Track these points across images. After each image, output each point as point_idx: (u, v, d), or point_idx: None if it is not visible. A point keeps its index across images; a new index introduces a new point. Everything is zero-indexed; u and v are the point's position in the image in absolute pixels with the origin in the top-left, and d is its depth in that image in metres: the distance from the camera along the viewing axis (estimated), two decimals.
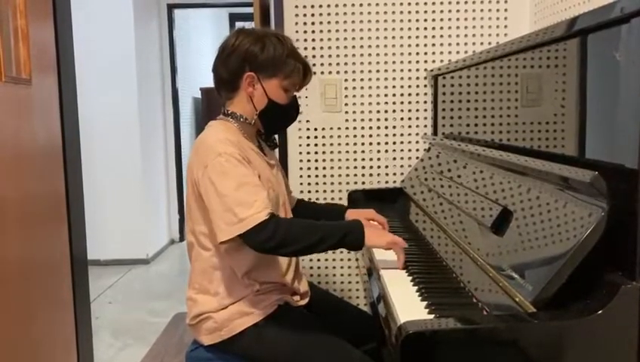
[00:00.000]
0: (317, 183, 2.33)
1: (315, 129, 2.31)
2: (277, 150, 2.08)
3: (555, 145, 1.25)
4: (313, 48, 2.27)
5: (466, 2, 2.25)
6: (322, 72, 2.27)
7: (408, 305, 1.19)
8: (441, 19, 2.26)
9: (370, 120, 2.31)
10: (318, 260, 2.35)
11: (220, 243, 1.41)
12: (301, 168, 2.32)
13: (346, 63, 2.28)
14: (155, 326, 3.22)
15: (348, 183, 2.33)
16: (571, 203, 1.04)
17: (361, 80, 2.29)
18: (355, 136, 2.31)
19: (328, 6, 2.26)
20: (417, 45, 2.28)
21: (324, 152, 2.32)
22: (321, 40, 2.27)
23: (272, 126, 1.62)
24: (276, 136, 1.77)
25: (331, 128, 2.31)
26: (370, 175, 2.33)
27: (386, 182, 2.33)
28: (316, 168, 2.32)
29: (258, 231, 1.35)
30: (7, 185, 1.92)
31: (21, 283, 1.99)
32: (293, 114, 1.63)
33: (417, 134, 2.32)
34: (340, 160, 2.32)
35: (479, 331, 0.98)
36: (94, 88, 4.22)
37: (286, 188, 1.71)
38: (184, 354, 1.58)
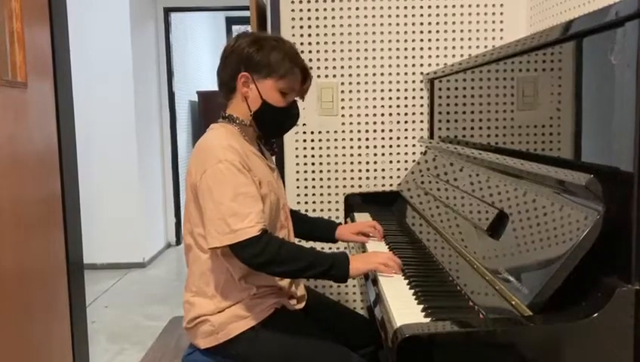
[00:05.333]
0: (313, 187, 2.33)
1: (312, 132, 2.31)
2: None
3: (551, 148, 1.25)
4: (310, 52, 2.28)
5: (462, 6, 2.26)
6: (319, 76, 2.28)
7: (405, 309, 1.19)
8: (437, 23, 2.27)
9: (367, 123, 2.31)
10: None
11: (208, 248, 1.42)
12: (297, 172, 2.32)
13: (342, 67, 2.29)
14: (152, 330, 3.21)
15: (345, 186, 2.33)
16: (567, 206, 1.05)
17: (358, 83, 2.30)
18: (351, 139, 2.31)
19: (325, 10, 2.26)
20: (414, 49, 2.28)
21: (320, 156, 2.32)
22: (318, 43, 2.28)
23: (268, 129, 1.60)
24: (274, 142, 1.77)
25: (328, 132, 2.31)
26: (367, 178, 2.33)
27: (383, 185, 2.33)
28: (313, 171, 2.32)
29: (248, 245, 1.35)
30: (3, 189, 1.91)
31: (17, 288, 1.99)
32: (291, 119, 1.61)
33: (414, 137, 2.32)
34: (336, 163, 2.32)
35: (475, 334, 0.98)
36: (91, 92, 4.22)
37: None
38: (181, 358, 1.57)
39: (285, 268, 1.41)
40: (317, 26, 2.27)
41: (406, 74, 2.29)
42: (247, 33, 1.58)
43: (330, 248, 2.10)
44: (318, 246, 1.97)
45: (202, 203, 1.42)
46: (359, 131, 2.31)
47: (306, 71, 1.57)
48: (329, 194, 2.33)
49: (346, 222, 2.16)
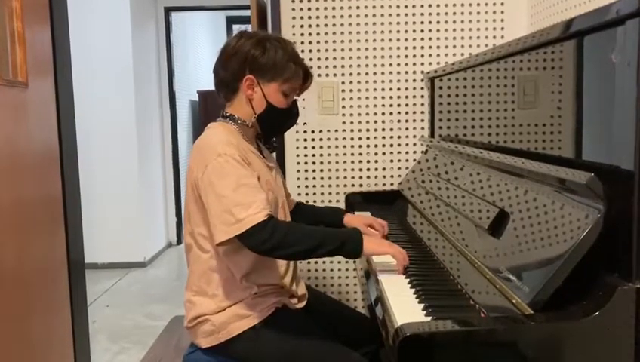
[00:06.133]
0: (314, 186, 2.33)
1: (313, 131, 2.31)
2: (274, 152, 2.08)
3: (552, 147, 1.25)
4: (310, 51, 2.28)
5: (462, 5, 2.26)
6: (319, 75, 2.28)
7: (406, 308, 1.19)
8: (438, 22, 2.27)
9: (368, 122, 2.31)
10: (316, 263, 2.35)
11: (217, 245, 1.41)
12: (298, 171, 2.32)
13: (342, 66, 2.29)
14: (153, 330, 3.21)
15: (345, 186, 2.33)
16: (568, 204, 1.05)
17: (358, 82, 2.29)
18: (352, 138, 2.31)
19: (325, 9, 2.26)
20: (414, 48, 2.28)
21: (321, 155, 2.32)
22: (318, 43, 2.28)
23: (270, 130, 1.62)
24: (275, 138, 1.77)
25: (328, 131, 2.31)
26: (368, 177, 2.33)
27: (384, 184, 2.33)
28: (313, 171, 2.32)
29: (255, 231, 1.34)
30: (4, 188, 1.91)
31: (18, 287, 1.99)
32: (292, 118, 1.62)
33: (414, 136, 2.32)
34: (337, 162, 2.32)
35: (476, 333, 0.98)
36: (91, 91, 4.22)
37: (284, 191, 1.71)
38: (182, 357, 1.57)
39: (296, 249, 1.38)
40: (317, 25, 2.27)
41: (407, 73, 2.29)
42: (248, 33, 1.57)
43: None
44: None
45: (205, 198, 1.42)
46: (360, 130, 2.31)
47: (308, 71, 1.59)
48: (330, 194, 2.33)
49: None
